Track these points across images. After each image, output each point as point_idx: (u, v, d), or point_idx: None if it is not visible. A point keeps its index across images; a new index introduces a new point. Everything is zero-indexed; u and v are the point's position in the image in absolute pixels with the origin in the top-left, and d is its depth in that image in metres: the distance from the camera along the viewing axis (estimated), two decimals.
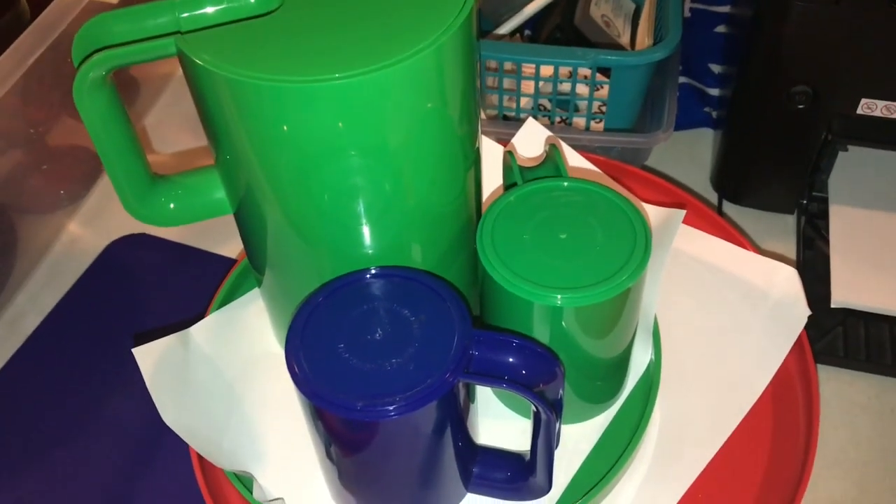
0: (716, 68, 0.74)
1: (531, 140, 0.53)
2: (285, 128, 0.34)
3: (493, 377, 0.36)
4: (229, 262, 0.61)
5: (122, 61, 0.34)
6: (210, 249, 0.62)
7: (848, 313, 0.55)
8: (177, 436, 0.41)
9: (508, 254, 0.39)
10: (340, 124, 0.34)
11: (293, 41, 0.34)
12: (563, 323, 0.39)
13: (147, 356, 0.43)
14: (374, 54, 0.33)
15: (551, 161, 0.44)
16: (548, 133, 0.53)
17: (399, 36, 0.34)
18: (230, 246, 0.62)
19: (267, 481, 0.43)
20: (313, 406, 0.35)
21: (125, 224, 0.64)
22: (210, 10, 0.35)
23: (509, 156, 0.44)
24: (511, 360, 0.36)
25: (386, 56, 0.33)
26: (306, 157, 0.36)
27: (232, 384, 0.46)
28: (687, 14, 0.78)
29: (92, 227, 0.65)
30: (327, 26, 0.34)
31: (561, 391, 0.37)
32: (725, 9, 0.78)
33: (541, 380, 0.36)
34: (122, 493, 0.50)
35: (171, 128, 0.72)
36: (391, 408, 0.34)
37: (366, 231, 0.39)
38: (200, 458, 0.44)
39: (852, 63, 0.52)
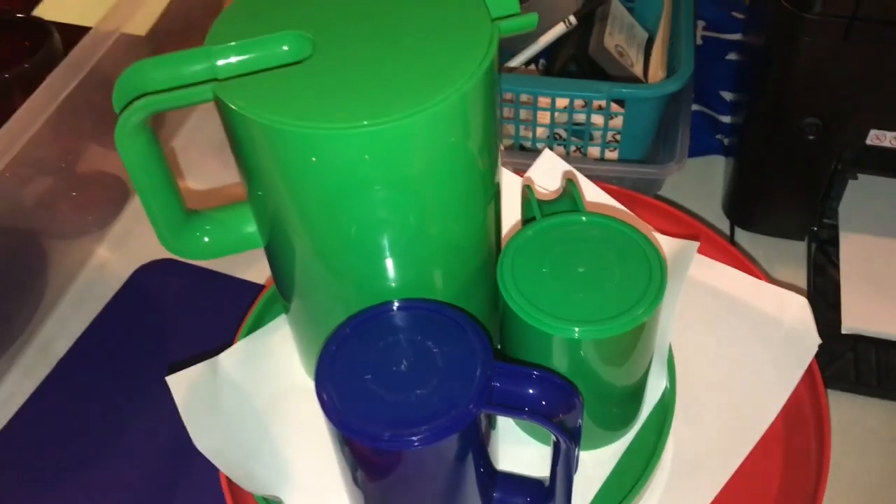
0: (727, 96, 0.75)
1: (548, 171, 0.55)
2: (316, 169, 0.36)
3: (515, 408, 0.37)
4: (255, 287, 0.63)
5: (161, 107, 0.36)
6: (236, 275, 0.64)
7: (858, 339, 0.56)
8: (204, 462, 0.43)
9: (528, 287, 0.41)
10: (368, 166, 0.36)
11: (324, 88, 0.35)
12: (581, 354, 0.40)
13: (179, 383, 0.45)
14: (401, 101, 0.35)
15: (568, 195, 0.46)
16: (564, 165, 0.55)
17: (425, 82, 0.35)
18: (256, 271, 0.64)
19: None
20: (341, 435, 0.37)
21: (152, 249, 0.66)
22: (245, 57, 0.37)
23: (528, 190, 0.46)
24: (531, 391, 0.38)
25: (412, 103, 0.34)
26: (335, 195, 0.37)
27: (261, 410, 0.48)
28: (699, 42, 0.80)
29: (120, 252, 0.67)
30: (357, 73, 0.36)
31: (579, 420, 0.38)
32: (737, 37, 0.80)
33: (560, 410, 0.38)
34: None
35: (196, 152, 0.74)
36: (416, 438, 0.36)
37: (390, 264, 0.41)
38: (230, 482, 0.45)
39: (861, 95, 0.54)
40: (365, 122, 0.34)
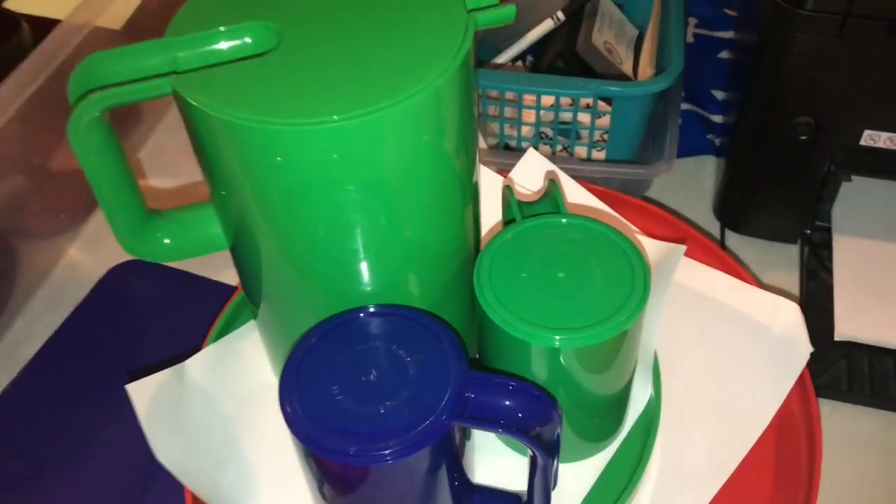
0: (719, 95, 0.73)
1: (531, 171, 0.53)
2: (280, 168, 0.34)
3: (489, 421, 0.35)
4: (230, 290, 0.61)
5: (116, 101, 0.34)
6: (211, 276, 0.62)
7: (852, 346, 0.55)
8: (171, 474, 0.41)
9: (506, 293, 0.39)
10: (336, 165, 0.34)
11: (290, 81, 0.34)
12: (561, 363, 0.38)
13: (141, 392, 0.43)
14: (370, 96, 0.33)
15: (550, 197, 0.44)
16: (548, 164, 0.53)
17: (396, 76, 0.33)
18: (230, 273, 0.62)
19: None
20: (306, 449, 0.35)
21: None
22: (205, 49, 0.35)
23: (508, 191, 0.44)
24: (507, 403, 0.36)
25: (383, 97, 0.33)
26: (302, 196, 0.35)
27: (228, 420, 0.46)
28: (690, 39, 0.78)
29: (92, 252, 0.65)
30: (324, 66, 0.34)
31: (558, 433, 0.37)
32: (729, 34, 0.78)
33: (537, 423, 0.36)
34: None
35: (173, 153, 0.72)
36: (385, 452, 0.34)
37: (362, 268, 0.39)
38: (195, 498, 0.43)
39: (855, 95, 0.52)
40: (333, 118, 0.32)
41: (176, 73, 0.34)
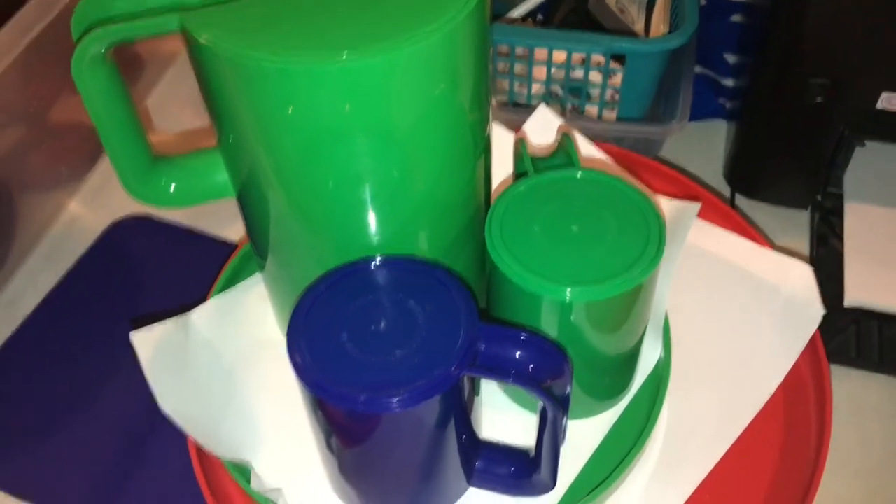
0: (731, 58, 0.72)
1: (543, 127, 0.52)
2: (290, 110, 0.33)
3: (500, 371, 0.35)
4: (232, 247, 0.60)
5: (122, 36, 0.33)
6: (213, 233, 0.61)
7: (861, 313, 0.54)
8: (173, 425, 0.40)
9: (517, 245, 0.38)
10: (347, 107, 0.33)
11: (301, 20, 0.33)
12: (572, 317, 0.38)
13: (145, 341, 0.42)
14: (383, 36, 0.32)
15: (563, 151, 0.43)
16: (560, 121, 0.52)
17: (410, 17, 0.32)
18: (233, 229, 0.61)
19: (265, 471, 0.42)
20: (315, 397, 0.34)
21: (127, 204, 0.63)
22: None
23: (521, 144, 0.43)
24: (518, 354, 0.35)
25: (395, 38, 0.32)
26: (311, 141, 0.34)
27: (231, 371, 0.45)
28: (703, 2, 0.77)
29: (93, 206, 0.64)
30: (337, 5, 0.33)
31: (569, 387, 0.36)
32: None
33: (548, 375, 0.35)
34: (117, 479, 0.49)
35: (175, 106, 0.70)
36: (394, 400, 0.33)
37: (371, 218, 0.38)
38: (197, 445, 0.43)
39: (873, 55, 0.51)
40: (344, 57, 0.31)
41: (184, 9, 0.33)
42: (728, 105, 0.69)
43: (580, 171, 0.41)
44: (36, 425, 0.52)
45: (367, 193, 0.37)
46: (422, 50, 0.32)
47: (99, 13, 0.34)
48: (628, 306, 0.38)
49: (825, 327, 0.52)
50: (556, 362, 0.35)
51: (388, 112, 0.34)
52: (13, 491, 0.49)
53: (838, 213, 0.59)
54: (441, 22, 0.32)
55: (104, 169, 0.67)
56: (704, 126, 0.68)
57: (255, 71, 0.32)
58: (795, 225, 0.60)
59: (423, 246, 0.40)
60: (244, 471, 0.41)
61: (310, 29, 0.32)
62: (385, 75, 0.32)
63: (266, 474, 0.42)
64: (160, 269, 0.60)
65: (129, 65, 0.70)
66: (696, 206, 0.44)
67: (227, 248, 0.60)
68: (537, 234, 0.38)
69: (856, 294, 0.54)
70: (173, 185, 0.40)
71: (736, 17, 0.75)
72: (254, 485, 0.40)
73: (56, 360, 0.55)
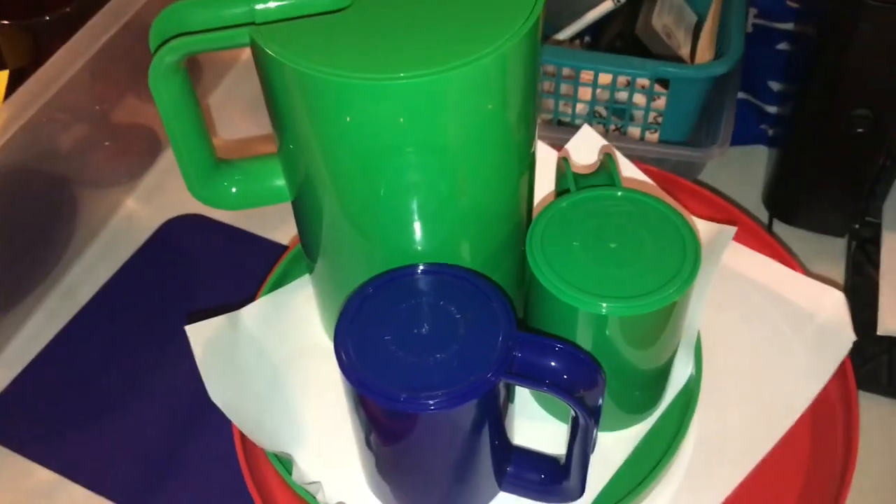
0: (775, 86, 0.73)
1: (585, 147, 0.54)
2: (348, 121, 0.35)
3: (535, 379, 0.36)
4: (280, 248, 0.62)
5: (197, 48, 0.36)
6: (262, 234, 0.63)
7: (893, 342, 0.55)
8: (220, 414, 0.42)
9: (557, 259, 0.40)
10: (402, 122, 0.35)
11: (362, 38, 0.35)
12: (606, 331, 0.39)
13: (198, 334, 0.44)
14: (439, 56, 0.34)
15: (605, 170, 0.44)
16: (603, 141, 0.54)
17: (466, 39, 0.34)
18: (282, 231, 0.63)
19: (306, 464, 0.44)
20: (357, 394, 0.36)
21: (181, 203, 0.66)
22: (284, 2, 0.36)
23: (564, 162, 0.45)
24: (553, 363, 0.37)
25: (451, 59, 0.33)
26: (367, 151, 0.36)
27: (277, 367, 0.47)
28: (749, 29, 0.78)
29: (149, 204, 0.67)
30: (397, 25, 0.35)
31: (601, 398, 0.37)
32: (789, 26, 0.77)
33: (582, 385, 0.37)
34: (164, 466, 0.51)
35: (231, 112, 0.73)
36: (432, 402, 0.35)
37: (418, 226, 0.40)
38: (243, 437, 0.45)
39: None
40: (401, 75, 0.33)
41: (254, 24, 0.36)
42: (770, 131, 0.70)
43: (620, 191, 0.42)
44: (88, 410, 0.54)
45: (415, 203, 0.39)
46: (474, 71, 0.34)
47: (175, 26, 0.36)
48: (661, 323, 0.40)
49: (857, 354, 0.53)
50: (589, 373, 0.37)
51: (439, 128, 0.36)
52: (66, 473, 0.52)
53: (875, 242, 0.60)
54: (495, 45, 0.34)
55: (160, 169, 0.70)
56: (746, 151, 0.68)
57: (319, 84, 0.34)
58: (832, 252, 0.61)
59: (466, 255, 0.42)
60: (286, 462, 0.43)
61: (371, 47, 0.34)
62: (438, 94, 0.34)
63: (307, 467, 0.44)
64: (211, 266, 0.62)
65: (189, 70, 0.73)
66: (732, 230, 0.45)
67: (274, 249, 0.62)
68: (576, 249, 0.40)
69: (889, 323, 0.55)
70: (234, 188, 0.42)
71: (782, 46, 0.76)
72: (295, 477, 0.42)
73: (109, 349, 0.58)
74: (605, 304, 0.38)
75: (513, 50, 0.35)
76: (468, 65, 0.34)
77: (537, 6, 0.36)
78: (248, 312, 0.48)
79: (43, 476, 0.52)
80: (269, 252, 0.62)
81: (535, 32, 0.36)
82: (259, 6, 0.36)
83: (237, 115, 0.72)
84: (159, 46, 0.36)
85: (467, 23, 0.35)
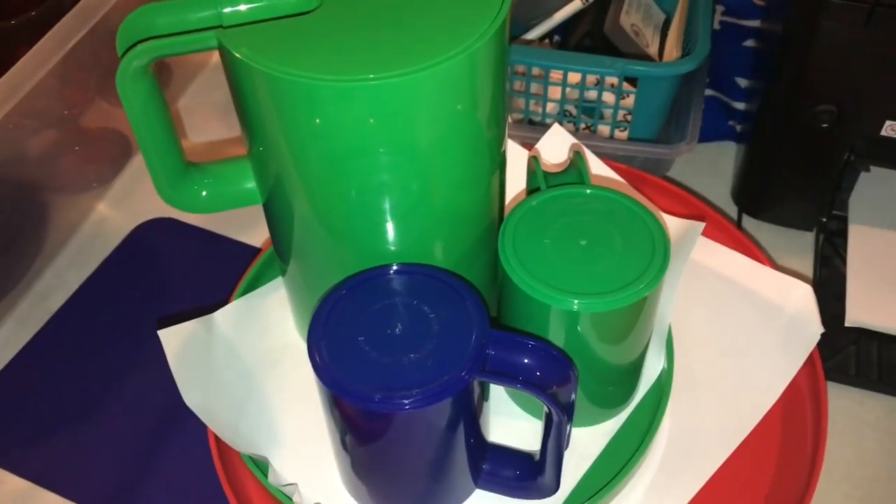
0: (742, 82, 0.74)
1: (556, 145, 0.54)
2: (318, 123, 0.35)
3: (508, 377, 0.37)
4: (253, 250, 0.62)
5: (164, 52, 0.35)
6: (235, 237, 0.63)
7: (861, 333, 0.56)
8: (195, 418, 0.42)
9: (528, 257, 0.40)
10: (372, 123, 0.35)
11: (330, 40, 0.35)
12: (578, 327, 0.40)
13: (171, 338, 0.44)
14: (408, 57, 0.34)
15: (575, 168, 0.45)
16: (573, 140, 0.54)
17: (434, 40, 0.35)
18: (254, 234, 0.63)
19: (281, 466, 0.44)
20: (331, 395, 0.36)
21: (152, 207, 0.66)
22: (252, 6, 0.36)
23: (534, 161, 0.45)
24: (526, 361, 0.37)
25: (419, 60, 0.34)
26: (337, 153, 0.37)
27: (252, 370, 0.47)
28: (717, 27, 0.79)
29: (120, 208, 0.67)
30: (365, 26, 0.35)
31: (574, 394, 0.38)
32: (755, 23, 0.78)
33: (554, 382, 0.37)
34: (140, 471, 0.51)
35: (201, 115, 0.73)
36: (407, 401, 0.35)
37: (390, 227, 0.40)
38: (218, 440, 0.45)
39: (878, 84, 0.53)
40: (370, 76, 0.33)
41: (221, 27, 0.36)
42: (738, 127, 0.70)
43: (590, 189, 0.43)
44: (61, 416, 0.54)
45: (387, 204, 0.39)
46: (443, 72, 0.34)
47: (142, 30, 0.36)
48: (632, 318, 0.40)
49: (826, 345, 0.54)
50: (562, 369, 0.37)
51: (409, 129, 0.36)
52: (38, 480, 0.51)
53: (842, 235, 0.61)
54: (464, 46, 0.34)
55: (131, 173, 0.69)
56: (715, 147, 0.69)
57: (287, 86, 0.34)
58: (800, 245, 0.62)
59: (438, 255, 0.42)
60: (262, 465, 0.43)
61: (339, 49, 0.34)
62: (407, 95, 0.34)
63: (283, 469, 0.44)
64: (183, 270, 0.62)
65: (158, 73, 0.72)
66: (700, 225, 0.46)
67: (247, 251, 0.62)
68: (547, 247, 0.40)
69: (856, 314, 0.56)
70: (204, 191, 0.42)
71: (749, 43, 0.77)
72: (271, 479, 0.42)
73: (82, 354, 0.57)
74: (576, 301, 0.38)
75: (481, 50, 0.35)
76: (437, 65, 0.34)
77: (504, 6, 0.36)
78: (222, 316, 0.48)
79: (15, 484, 0.51)
80: (241, 255, 0.62)
81: (503, 32, 0.36)
82: (226, 9, 0.36)
83: (207, 119, 0.72)
84: (126, 50, 0.35)
85: (435, 23, 0.35)
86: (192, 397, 0.42)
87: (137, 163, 0.70)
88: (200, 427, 0.43)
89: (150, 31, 0.36)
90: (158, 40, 0.35)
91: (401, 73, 0.33)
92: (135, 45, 0.35)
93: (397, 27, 0.35)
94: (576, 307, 0.38)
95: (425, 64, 0.34)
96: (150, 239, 0.64)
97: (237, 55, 0.34)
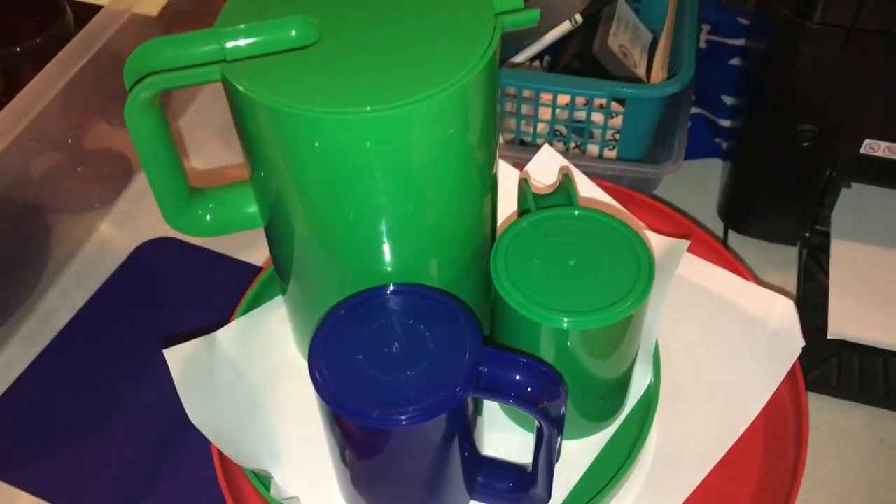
0: (728, 100, 0.76)
1: (546, 166, 0.56)
2: (317, 151, 0.37)
3: (501, 393, 0.38)
4: (253, 269, 0.64)
5: (170, 85, 0.37)
6: (236, 256, 0.65)
7: (843, 345, 0.57)
8: (198, 434, 0.44)
9: (519, 277, 0.42)
10: (369, 151, 0.37)
11: (329, 73, 0.36)
12: (568, 344, 0.41)
13: (176, 357, 0.46)
14: (403, 89, 0.36)
15: (564, 190, 0.47)
16: (562, 160, 0.56)
17: (428, 72, 0.36)
18: (255, 253, 0.65)
19: (284, 480, 0.45)
20: (332, 411, 0.38)
21: (154, 227, 0.67)
22: (253, 40, 0.38)
23: (524, 183, 0.47)
24: (518, 377, 0.39)
25: (414, 92, 0.35)
26: (336, 179, 0.38)
27: (254, 387, 0.49)
28: (703, 45, 0.81)
29: (122, 228, 0.68)
30: (362, 59, 0.37)
31: (563, 408, 0.40)
32: (741, 42, 0.81)
33: (545, 397, 0.39)
34: (144, 487, 0.52)
35: (202, 134, 0.75)
36: (404, 417, 0.37)
37: (387, 248, 0.42)
38: (221, 455, 0.46)
39: (857, 105, 0.54)
40: (367, 108, 0.35)
41: (224, 61, 0.37)
42: (724, 145, 0.72)
43: (578, 210, 0.44)
44: (67, 434, 0.55)
45: (383, 225, 0.41)
46: (436, 104, 0.36)
47: (149, 64, 0.38)
48: (620, 335, 0.42)
49: (809, 357, 0.56)
50: (552, 385, 0.39)
51: (404, 155, 0.38)
52: (44, 496, 0.52)
53: (825, 249, 0.63)
54: (455, 79, 0.36)
55: (133, 193, 0.71)
56: (701, 164, 0.71)
57: (288, 118, 0.36)
58: (785, 260, 0.64)
59: (433, 275, 0.44)
60: (264, 479, 0.44)
61: (338, 81, 0.36)
62: (403, 125, 0.36)
63: (285, 483, 0.45)
64: (185, 288, 0.64)
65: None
66: (685, 244, 0.48)
67: (248, 269, 0.64)
68: (538, 266, 0.42)
69: (838, 327, 0.57)
70: (208, 216, 0.44)
71: (734, 61, 0.79)
72: (273, 493, 0.44)
73: (86, 372, 0.59)
74: (566, 319, 0.40)
75: (472, 82, 0.37)
76: (431, 98, 0.36)
77: (494, 38, 0.38)
78: (224, 334, 0.49)
79: (24, 501, 0.52)
80: (242, 273, 0.63)
81: (493, 63, 0.38)
82: (229, 44, 0.38)
83: (208, 137, 0.74)
84: (134, 84, 0.37)
85: (429, 55, 0.37)
86: (197, 414, 0.44)
87: (139, 183, 0.71)
88: (204, 443, 0.45)
89: (157, 64, 0.38)
90: (164, 74, 0.37)
91: (396, 105, 0.35)
92: (142, 78, 0.37)
93: (393, 60, 0.37)
94: (565, 325, 0.40)
95: (420, 96, 0.35)
96: (152, 258, 0.66)
97: (240, 88, 0.36)
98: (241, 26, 0.38)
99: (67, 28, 0.62)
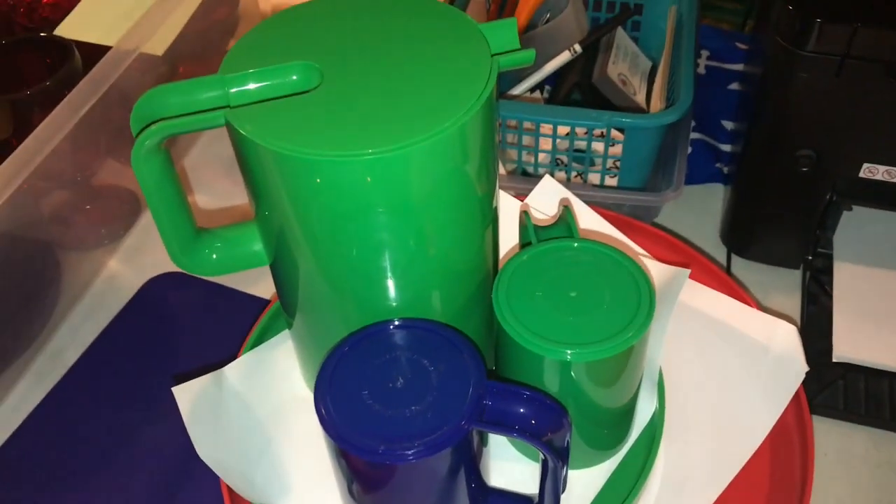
0: (728, 125, 0.77)
1: (547, 196, 0.57)
2: (320, 194, 0.38)
3: (505, 426, 0.39)
4: (261, 302, 0.64)
5: (175, 131, 0.38)
6: (243, 289, 0.66)
7: (849, 368, 0.57)
8: (206, 470, 0.44)
9: (522, 310, 0.42)
10: (370, 192, 0.38)
11: (330, 116, 0.37)
12: (572, 375, 0.42)
13: (185, 394, 0.46)
14: (402, 131, 0.36)
15: (564, 222, 0.47)
16: (563, 190, 0.56)
17: (425, 114, 0.37)
18: (262, 286, 0.66)
19: None
20: (338, 447, 0.39)
21: (162, 262, 0.68)
22: (256, 86, 0.39)
23: (525, 216, 0.48)
24: (522, 410, 0.39)
25: (414, 133, 0.36)
26: (338, 219, 0.39)
27: (262, 422, 0.49)
28: (702, 71, 0.82)
29: (131, 264, 0.69)
30: (362, 103, 0.38)
31: (568, 439, 0.40)
32: (739, 67, 0.81)
33: (549, 429, 0.39)
34: None
35: (208, 170, 0.76)
36: (410, 452, 0.37)
37: (390, 284, 0.42)
38: (230, 491, 0.47)
39: (854, 130, 0.55)
40: (368, 151, 0.36)
41: (229, 106, 0.38)
42: (725, 169, 0.73)
43: (577, 242, 0.45)
44: (78, 470, 0.56)
45: (386, 261, 0.41)
46: (435, 145, 0.37)
47: (155, 110, 0.39)
48: (622, 365, 0.42)
49: (814, 381, 0.56)
50: (555, 417, 0.39)
51: (404, 195, 0.38)
52: None
53: (828, 272, 0.63)
54: (453, 120, 0.37)
55: (141, 229, 0.72)
56: (703, 189, 0.72)
57: (292, 161, 0.37)
58: (788, 283, 0.64)
59: (436, 309, 0.44)
60: None
61: (340, 124, 0.37)
62: (402, 166, 0.37)
63: None
64: (193, 322, 0.64)
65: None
66: (685, 272, 0.48)
67: (255, 303, 0.64)
68: (540, 299, 0.43)
69: (843, 349, 0.58)
70: (214, 255, 0.44)
71: (733, 86, 0.80)
72: None
73: (96, 409, 0.59)
74: (569, 351, 0.41)
75: (470, 122, 0.38)
76: (429, 139, 0.36)
77: (491, 79, 0.39)
78: (232, 370, 0.50)
79: None
80: (249, 306, 0.64)
81: (490, 102, 0.39)
82: (233, 89, 0.39)
83: (214, 175, 0.75)
84: (141, 131, 0.38)
85: (428, 97, 0.38)
86: (206, 450, 0.45)
87: (147, 219, 0.72)
88: (213, 478, 0.45)
89: (163, 111, 0.39)
90: (170, 121, 0.38)
91: (396, 147, 0.36)
92: (148, 125, 0.38)
93: (392, 102, 0.38)
94: (568, 357, 0.41)
95: (419, 138, 0.36)
96: (161, 293, 0.67)
97: (244, 133, 0.37)
98: (245, 72, 0.39)
99: (76, 70, 0.63)
